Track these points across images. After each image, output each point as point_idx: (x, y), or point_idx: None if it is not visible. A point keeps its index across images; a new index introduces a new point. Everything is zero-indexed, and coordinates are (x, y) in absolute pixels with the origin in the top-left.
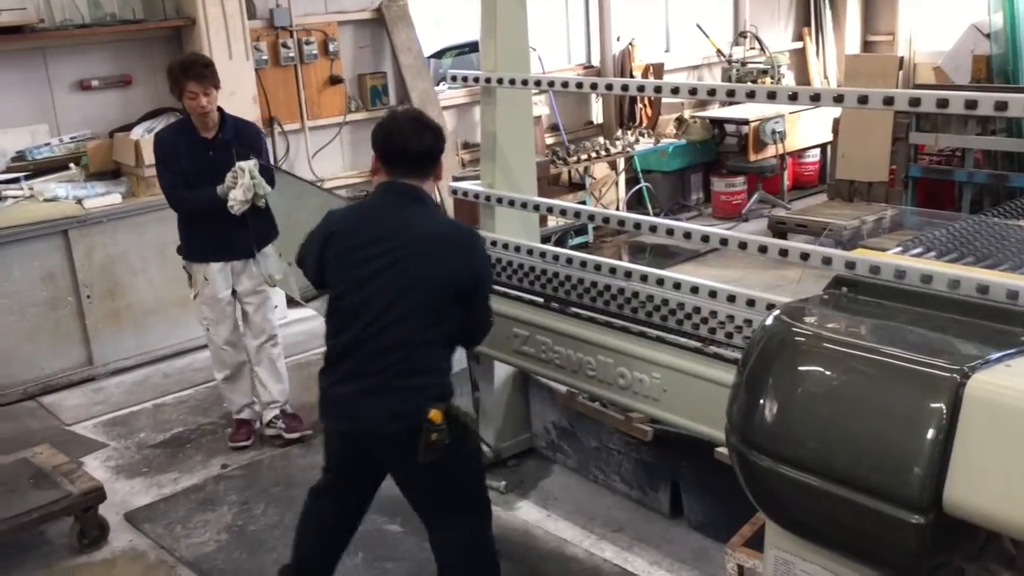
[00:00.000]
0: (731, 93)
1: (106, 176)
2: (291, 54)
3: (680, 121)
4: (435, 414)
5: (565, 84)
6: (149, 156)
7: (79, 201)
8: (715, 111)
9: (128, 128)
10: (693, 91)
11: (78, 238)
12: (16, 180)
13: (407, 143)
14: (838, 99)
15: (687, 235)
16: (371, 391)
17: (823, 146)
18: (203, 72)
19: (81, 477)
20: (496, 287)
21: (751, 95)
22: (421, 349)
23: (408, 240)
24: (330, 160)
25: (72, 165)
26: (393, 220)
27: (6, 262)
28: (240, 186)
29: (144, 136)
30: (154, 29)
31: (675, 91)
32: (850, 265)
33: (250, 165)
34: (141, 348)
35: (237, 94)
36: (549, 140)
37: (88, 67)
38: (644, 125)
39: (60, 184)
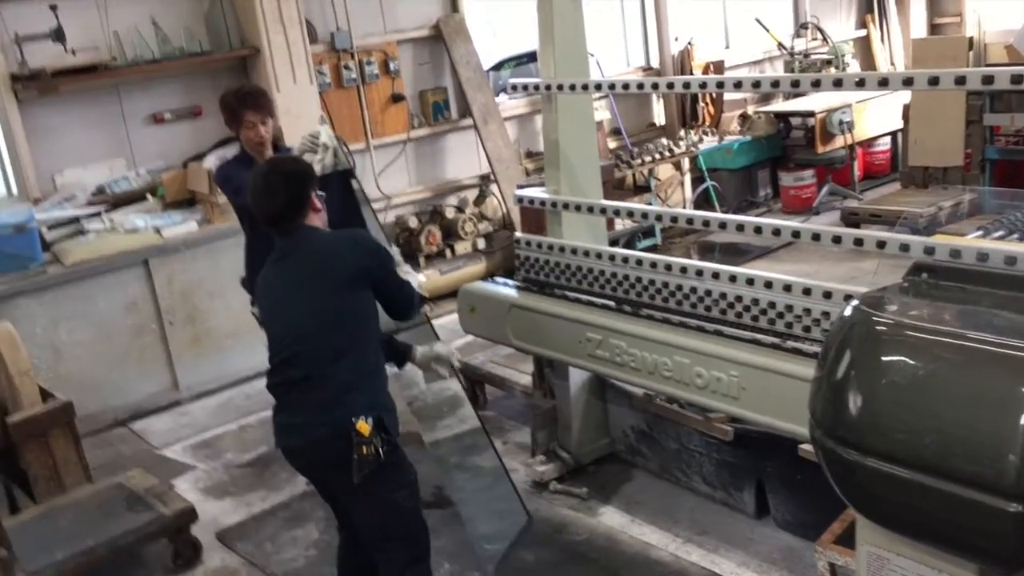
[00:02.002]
0: (796, 84)
1: (182, 205)
2: (353, 75)
3: (744, 117)
4: (362, 426)
5: (626, 86)
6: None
7: (158, 231)
8: (779, 105)
9: (200, 157)
10: (756, 84)
11: (158, 266)
12: (98, 213)
13: (262, 208)
14: (907, 82)
15: (757, 230)
16: (296, 402)
17: (893, 134)
18: (260, 101)
19: (173, 499)
20: (567, 292)
21: (816, 84)
22: (337, 362)
23: (298, 263)
24: (396, 177)
25: (149, 196)
26: (291, 258)
27: (92, 293)
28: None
29: (216, 164)
30: (221, 60)
31: (737, 85)
32: (929, 250)
33: (326, 130)
34: (222, 371)
35: (303, 117)
36: (612, 144)
37: (160, 100)
38: (707, 124)
39: (139, 215)
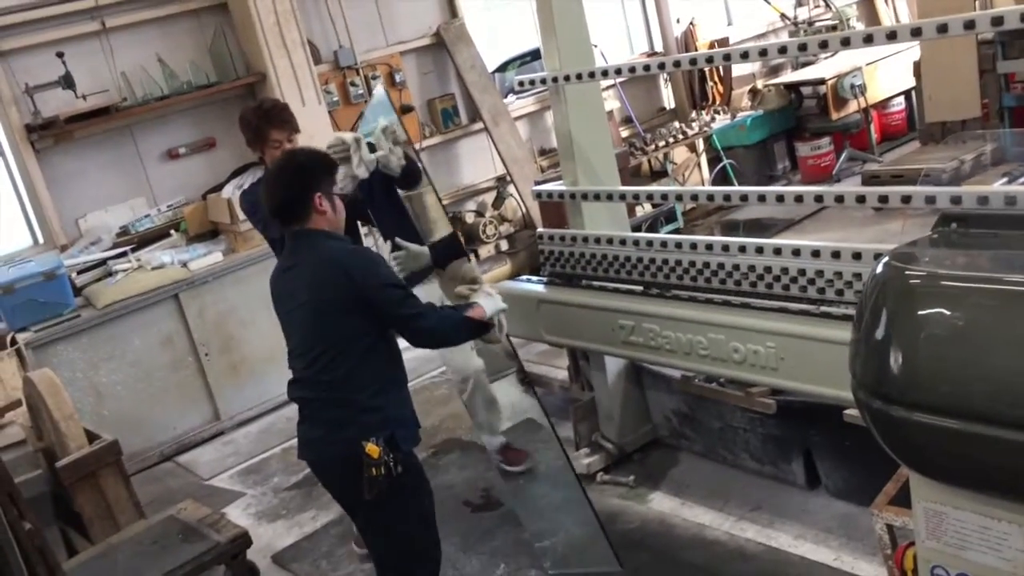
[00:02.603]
0: (803, 47)
1: (205, 237)
2: (360, 91)
3: (754, 92)
4: (371, 448)
5: (632, 69)
6: (242, 212)
7: (184, 264)
8: (789, 76)
9: (219, 188)
10: (763, 52)
11: (189, 300)
12: (124, 254)
13: (265, 199)
14: (915, 32)
15: (779, 198)
16: (308, 419)
17: (907, 93)
18: (284, 116)
19: (226, 526)
20: (594, 282)
21: (823, 45)
22: (341, 365)
23: (305, 275)
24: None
25: (173, 232)
26: (293, 262)
27: (126, 332)
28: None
29: (235, 193)
30: (228, 89)
31: (744, 55)
32: (956, 200)
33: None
34: (262, 397)
35: (315, 138)
36: (624, 133)
37: (173, 136)
38: (718, 102)
39: (164, 251)
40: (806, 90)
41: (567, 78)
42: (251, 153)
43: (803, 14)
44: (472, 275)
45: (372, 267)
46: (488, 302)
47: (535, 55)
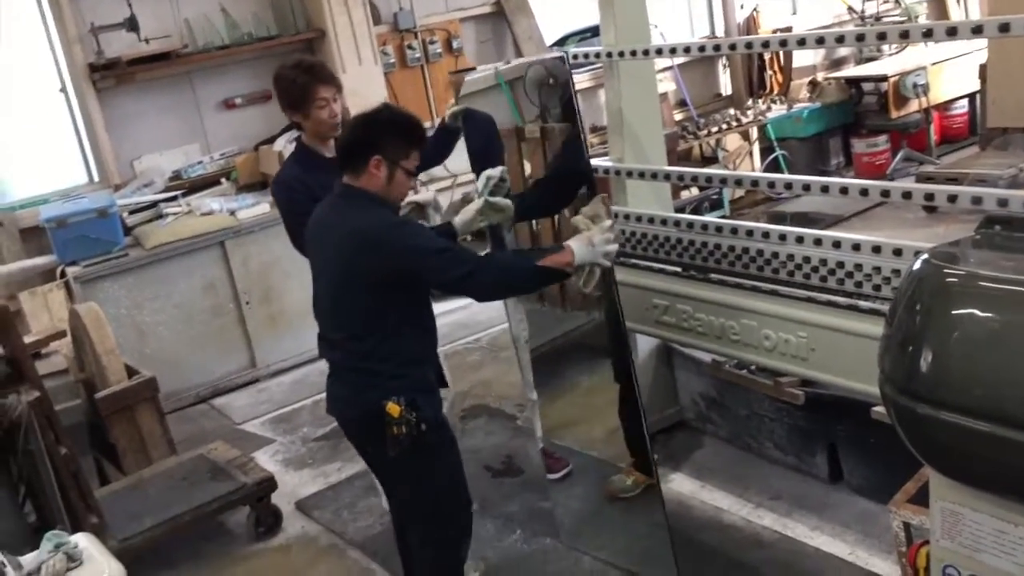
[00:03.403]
0: (860, 37)
1: (255, 188)
2: (417, 55)
3: (814, 84)
4: (392, 407)
5: (687, 49)
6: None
7: (232, 213)
8: (851, 70)
9: (271, 141)
10: (820, 40)
11: (234, 248)
12: (175, 198)
13: (338, 139)
14: (976, 30)
15: (824, 189)
16: (334, 376)
17: (971, 96)
18: (329, 72)
19: (253, 469)
20: (632, 259)
21: (882, 36)
22: (367, 339)
23: (334, 238)
24: (461, 156)
25: (223, 180)
26: (331, 217)
27: (172, 275)
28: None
29: (286, 147)
30: (288, 44)
31: (801, 42)
32: (1002, 203)
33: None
34: (298, 349)
35: (369, 98)
36: (678, 116)
37: (231, 86)
38: (776, 92)
39: (214, 198)
40: (867, 86)
41: (621, 54)
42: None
43: (871, 8)
44: (595, 211)
45: (408, 240)
46: (584, 249)
47: (595, 31)
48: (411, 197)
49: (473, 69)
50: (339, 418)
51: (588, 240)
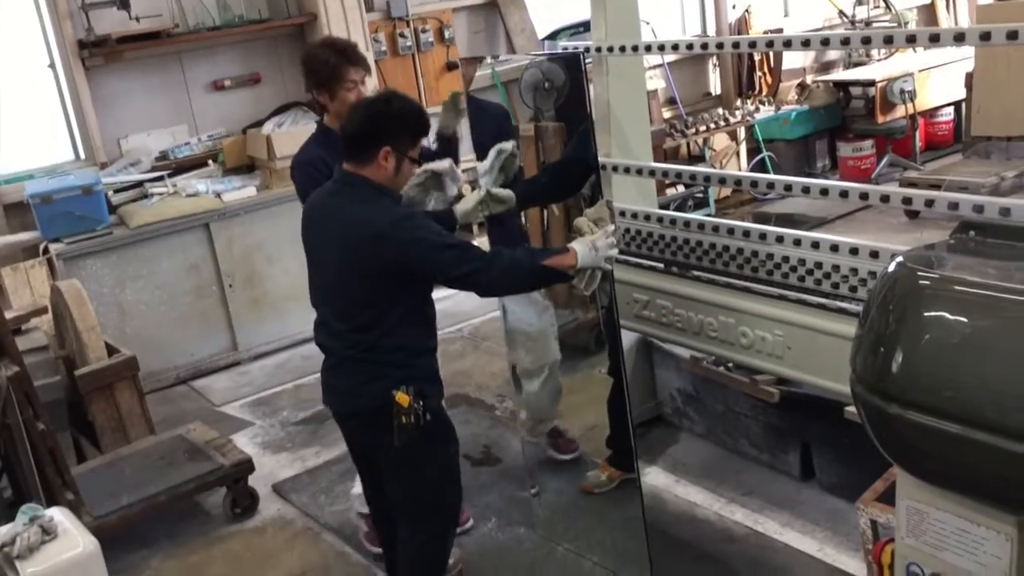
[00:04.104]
0: (846, 41)
1: (241, 170)
2: (408, 43)
3: (802, 87)
4: (401, 397)
5: (675, 47)
6: (280, 150)
7: (218, 195)
8: (839, 74)
9: (259, 124)
10: (806, 42)
11: (219, 230)
12: (161, 178)
13: (346, 125)
14: (959, 37)
15: (805, 190)
16: (335, 368)
17: (957, 104)
18: (359, 54)
19: (231, 451)
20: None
21: (867, 40)
22: (374, 329)
23: (338, 227)
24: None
25: (210, 161)
26: (333, 206)
27: (155, 255)
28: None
29: (274, 131)
30: (279, 27)
31: (787, 44)
32: (978, 209)
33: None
34: (281, 333)
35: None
36: (666, 114)
37: (220, 68)
38: (764, 93)
39: (200, 180)
40: (855, 90)
41: (611, 49)
42: (294, 93)
43: (862, 13)
44: (599, 214)
45: (415, 234)
46: (587, 253)
47: (587, 26)
48: (428, 165)
49: (482, 59)
50: (341, 410)
51: (592, 244)
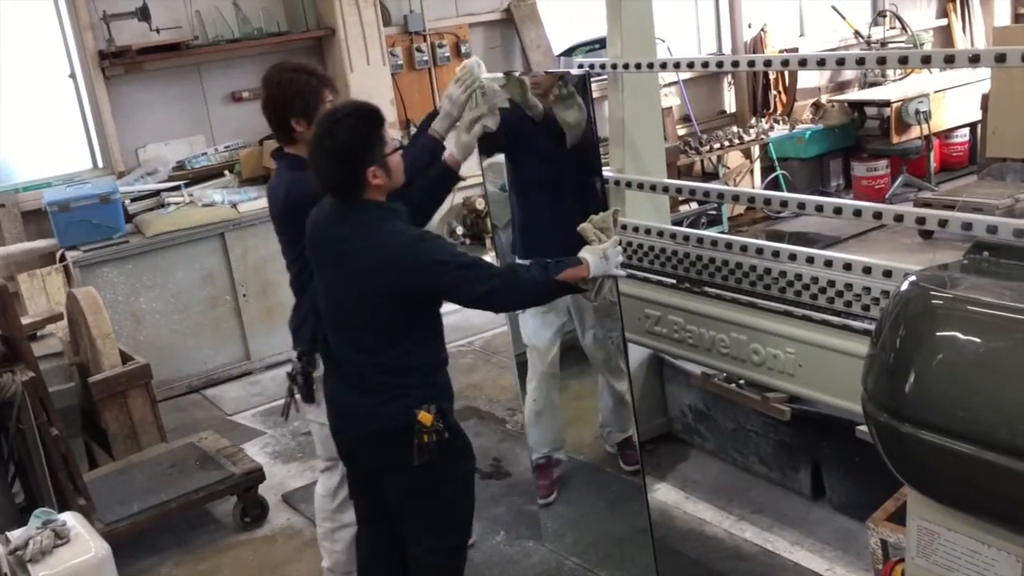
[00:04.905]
0: (861, 61)
1: (257, 182)
2: (425, 58)
3: (817, 106)
4: (424, 416)
5: (691, 64)
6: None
7: (234, 206)
8: (854, 94)
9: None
10: (821, 62)
11: (233, 240)
12: (177, 187)
13: (318, 176)
14: (974, 59)
15: (819, 208)
16: (353, 390)
17: (972, 125)
18: (329, 76)
19: (242, 460)
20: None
21: (882, 61)
22: (390, 351)
23: (349, 252)
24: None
25: (227, 172)
26: (341, 230)
27: (170, 264)
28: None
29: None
30: (297, 40)
31: (802, 63)
32: (992, 230)
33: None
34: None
35: (375, 98)
36: (681, 131)
37: (238, 80)
38: (779, 112)
39: (216, 190)
40: (870, 110)
41: (626, 66)
42: None
43: (878, 33)
44: (605, 223)
45: (432, 256)
46: (598, 262)
47: (603, 43)
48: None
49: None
50: (359, 433)
51: (602, 252)
